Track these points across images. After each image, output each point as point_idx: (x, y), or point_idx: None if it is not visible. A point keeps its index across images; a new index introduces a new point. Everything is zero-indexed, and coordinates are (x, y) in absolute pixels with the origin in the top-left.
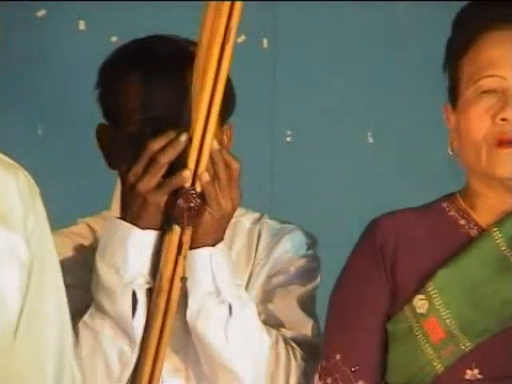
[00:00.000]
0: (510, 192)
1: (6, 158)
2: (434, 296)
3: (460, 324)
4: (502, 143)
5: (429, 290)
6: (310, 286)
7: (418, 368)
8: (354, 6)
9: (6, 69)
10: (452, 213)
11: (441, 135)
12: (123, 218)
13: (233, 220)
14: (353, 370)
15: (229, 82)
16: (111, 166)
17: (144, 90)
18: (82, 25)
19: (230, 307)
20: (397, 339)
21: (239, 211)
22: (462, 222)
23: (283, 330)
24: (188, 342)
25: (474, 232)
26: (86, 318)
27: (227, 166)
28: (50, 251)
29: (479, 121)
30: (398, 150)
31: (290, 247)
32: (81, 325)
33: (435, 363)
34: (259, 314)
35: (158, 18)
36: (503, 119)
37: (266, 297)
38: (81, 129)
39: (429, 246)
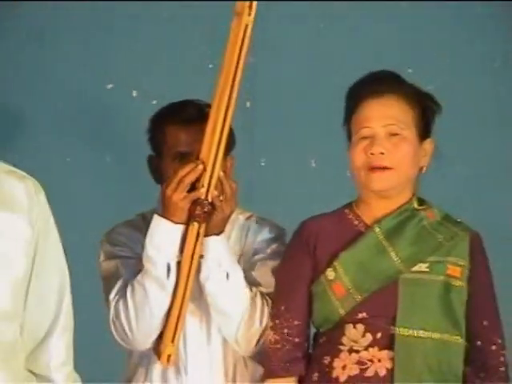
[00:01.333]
0: (383, 199)
1: (19, 171)
2: (338, 268)
3: (354, 285)
4: (372, 168)
5: (335, 264)
6: (279, 261)
7: (330, 312)
8: (314, 74)
9: (92, 125)
10: (350, 216)
11: None
12: (163, 215)
13: (233, 216)
14: (292, 314)
15: (231, 130)
16: (156, 182)
17: (177, 135)
18: (134, 93)
19: (227, 274)
20: (317, 296)
21: (237, 210)
22: (356, 222)
23: (261, 288)
24: (201, 296)
25: (363, 228)
26: (138, 277)
27: (229, 186)
28: (52, 230)
29: (359, 155)
30: (338, 174)
31: (268, 235)
32: (135, 282)
33: (340, 310)
34: (246, 278)
35: (183, 87)
36: (372, 153)
37: (251, 267)
38: (134, 158)
39: (336, 238)
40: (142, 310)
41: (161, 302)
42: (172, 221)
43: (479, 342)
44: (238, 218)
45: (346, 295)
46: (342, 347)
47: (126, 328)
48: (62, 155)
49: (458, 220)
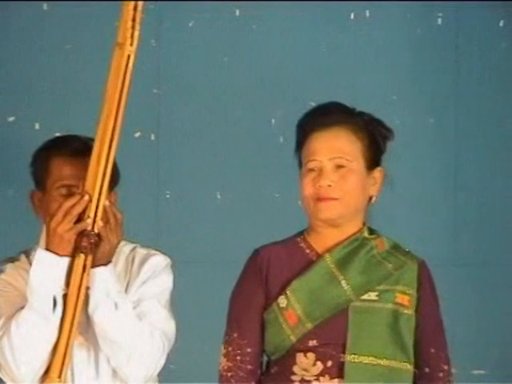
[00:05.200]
0: (333, 228)
1: None
2: (290, 296)
3: (305, 313)
4: (319, 199)
5: (287, 292)
6: (166, 289)
7: (281, 340)
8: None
9: None
10: (302, 244)
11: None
12: (47, 249)
13: (118, 249)
14: (244, 342)
15: (115, 165)
16: (38, 216)
17: (61, 168)
18: (37, 126)
19: (116, 304)
20: (269, 323)
21: (122, 243)
22: (308, 250)
23: (149, 318)
24: (89, 327)
25: (314, 257)
26: (23, 312)
27: (114, 215)
28: None
29: (307, 186)
30: (243, 206)
31: (154, 265)
32: (19, 316)
33: (291, 337)
34: (134, 307)
35: (86, 120)
36: (319, 186)
37: (139, 297)
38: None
39: (288, 266)
40: (27, 345)
41: (46, 335)
42: (57, 253)
43: (427, 369)
44: (123, 250)
45: (297, 323)
46: (293, 377)
47: (12, 364)
48: None
49: (407, 249)
